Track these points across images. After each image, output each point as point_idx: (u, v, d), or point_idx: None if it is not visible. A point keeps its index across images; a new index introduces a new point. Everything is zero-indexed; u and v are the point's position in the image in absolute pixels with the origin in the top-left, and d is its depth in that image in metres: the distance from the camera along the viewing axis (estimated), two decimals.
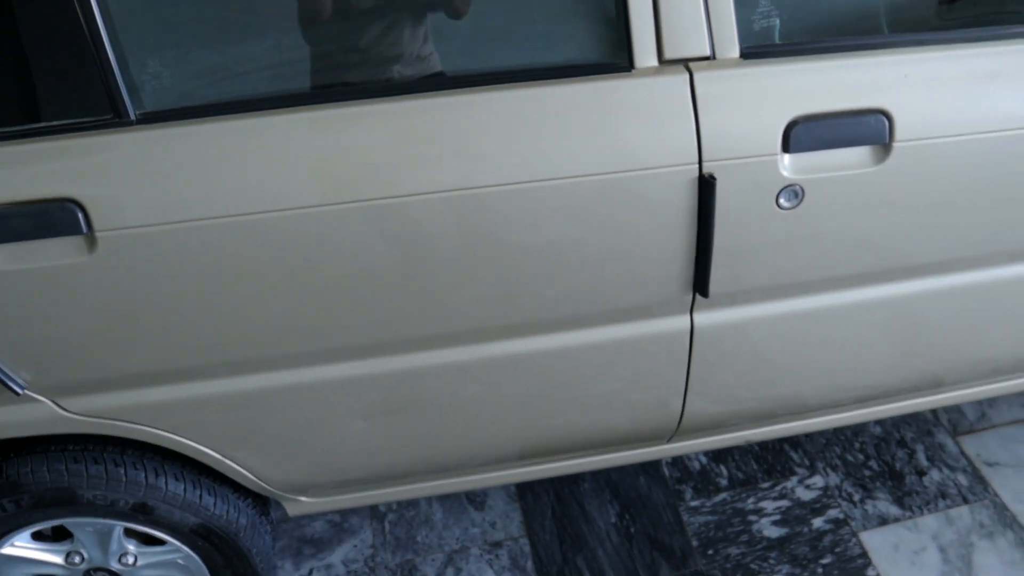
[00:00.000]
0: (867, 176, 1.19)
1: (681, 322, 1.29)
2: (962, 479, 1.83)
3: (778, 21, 1.18)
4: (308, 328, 1.19)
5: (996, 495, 1.80)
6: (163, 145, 1.05)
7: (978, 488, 1.81)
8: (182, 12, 1.04)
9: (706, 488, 1.85)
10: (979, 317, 1.45)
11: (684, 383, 1.37)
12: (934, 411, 1.99)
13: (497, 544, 1.77)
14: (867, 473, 1.86)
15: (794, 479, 1.86)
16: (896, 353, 1.45)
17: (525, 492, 1.87)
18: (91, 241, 1.05)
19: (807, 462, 1.89)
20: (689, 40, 1.11)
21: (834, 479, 1.85)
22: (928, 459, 1.88)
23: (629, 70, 1.11)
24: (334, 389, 1.27)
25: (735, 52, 1.13)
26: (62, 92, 1.02)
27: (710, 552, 1.72)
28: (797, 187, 1.18)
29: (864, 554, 1.70)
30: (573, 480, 1.88)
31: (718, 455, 1.92)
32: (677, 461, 1.91)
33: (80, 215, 1.03)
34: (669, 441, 1.53)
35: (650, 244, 1.19)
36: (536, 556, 1.74)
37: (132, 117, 1.04)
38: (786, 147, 1.15)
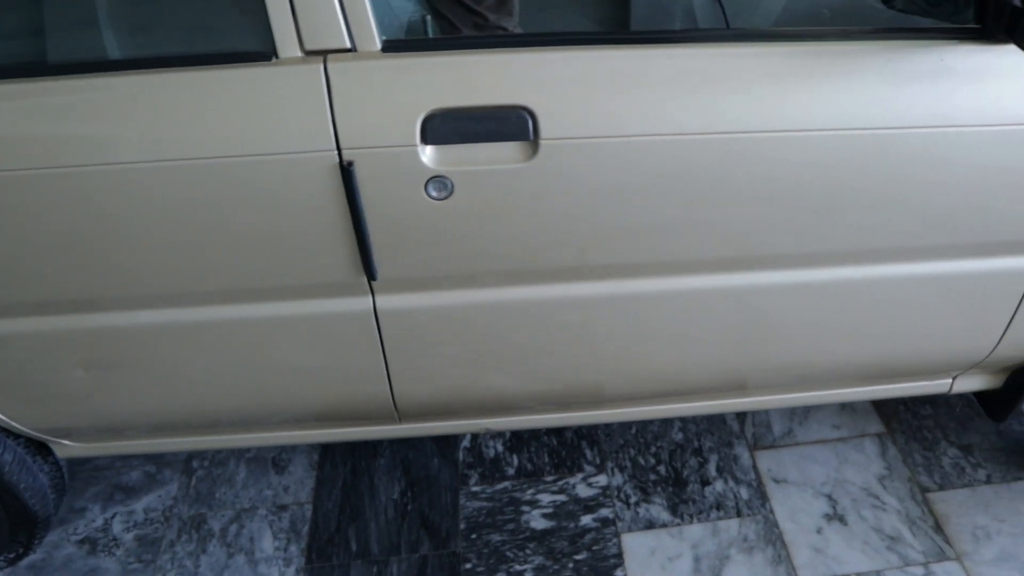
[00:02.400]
0: (516, 171, 1.18)
1: (364, 303, 1.32)
2: (744, 492, 1.77)
3: (429, 17, 1.19)
4: (24, 279, 1.28)
5: (771, 511, 1.73)
6: None
7: (756, 503, 1.75)
8: None
9: (492, 475, 1.85)
10: (696, 322, 1.41)
11: (384, 364, 1.39)
12: (741, 423, 1.92)
13: (283, 507, 1.83)
14: (652, 477, 1.82)
15: (579, 476, 1.83)
16: (616, 353, 1.43)
17: (324, 462, 1.92)
18: None
19: (598, 461, 1.87)
20: (327, 33, 1.13)
21: (618, 480, 1.82)
22: (718, 470, 1.82)
23: (270, 59, 1.15)
24: (52, 340, 1.36)
25: (376, 45, 1.15)
26: None
27: (473, 536, 1.73)
28: (445, 179, 1.18)
29: (619, 555, 1.67)
30: (372, 454, 1.92)
31: (515, 445, 1.91)
32: (474, 447, 1.92)
33: None
34: (402, 421, 1.55)
35: (306, 225, 1.21)
36: (314, 522, 1.79)
37: None
38: (425, 139, 1.16)
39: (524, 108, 1.15)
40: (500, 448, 1.91)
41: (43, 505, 1.65)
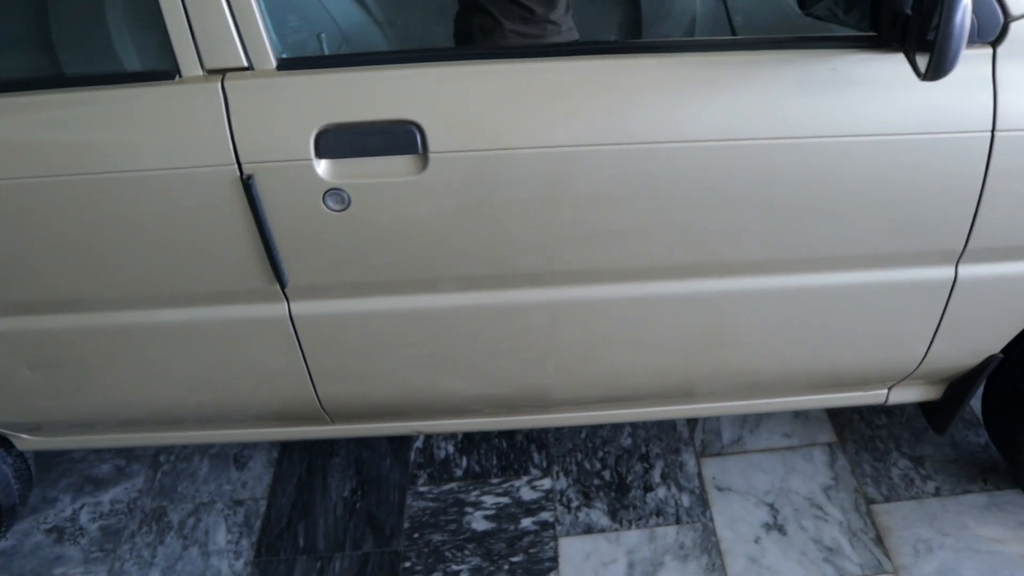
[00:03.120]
0: (409, 184, 1.23)
1: (280, 309, 1.38)
2: (686, 500, 1.78)
3: (324, 34, 1.24)
4: None
5: (711, 519, 1.73)
6: None
7: (697, 511, 1.75)
8: None
9: (440, 476, 1.90)
10: (649, 331, 1.43)
11: (305, 368, 1.45)
12: (691, 430, 1.93)
13: (239, 502, 1.91)
14: (596, 482, 1.84)
15: (525, 479, 1.87)
16: (536, 362, 1.46)
17: (283, 459, 1.99)
18: None
19: (545, 464, 1.90)
20: (225, 52, 1.19)
21: (562, 484, 1.85)
22: (662, 476, 1.83)
23: (174, 78, 1.21)
24: None
25: (271, 63, 1.21)
26: None
27: (415, 536, 1.78)
28: (342, 192, 1.23)
29: (554, 558, 1.70)
30: (329, 453, 1.99)
31: (466, 446, 1.96)
32: (426, 447, 1.97)
33: None
34: (335, 422, 1.61)
35: (217, 235, 1.28)
36: (267, 518, 1.86)
37: None
38: (320, 153, 1.21)
39: (412, 122, 1.20)
40: (451, 449, 1.96)
41: (7, 495, 1.76)
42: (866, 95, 1.20)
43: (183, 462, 2.02)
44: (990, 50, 1.20)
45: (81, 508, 1.94)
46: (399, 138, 1.20)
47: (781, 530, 1.70)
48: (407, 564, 1.73)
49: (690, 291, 1.35)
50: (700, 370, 1.50)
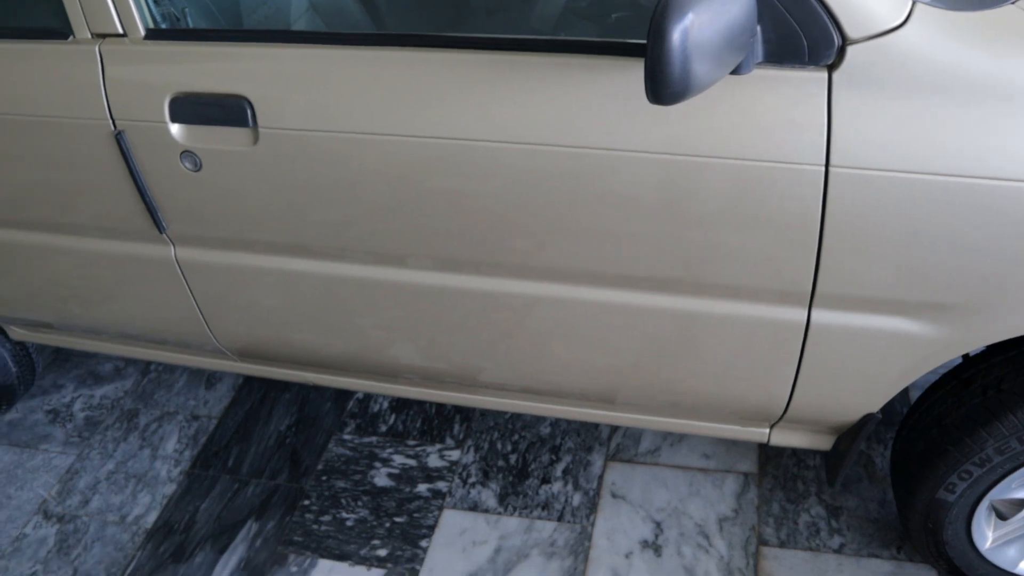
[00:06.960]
0: (247, 154, 1.41)
1: (167, 251, 1.63)
2: (576, 499, 1.85)
3: (189, 9, 1.42)
4: None
5: (592, 524, 1.80)
6: None
7: (582, 513, 1.82)
8: None
9: (366, 428, 2.11)
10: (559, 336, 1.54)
11: (196, 307, 1.70)
12: (612, 431, 1.97)
13: (196, 418, 2.24)
14: (500, 463, 1.96)
15: (438, 446, 2.03)
16: (426, 343, 1.62)
17: (244, 386, 2.29)
18: None
19: (461, 436, 2.04)
20: (104, 19, 1.43)
21: (469, 458, 1.98)
22: (564, 471, 1.91)
23: (67, 38, 1.46)
24: None
25: (140, 33, 1.42)
26: None
27: (323, 478, 2.01)
28: (195, 154, 1.44)
29: (432, 527, 1.86)
30: (283, 388, 2.26)
31: (398, 406, 2.14)
32: (365, 399, 2.18)
33: None
34: (241, 361, 1.86)
35: (102, 183, 1.54)
36: (212, 436, 2.18)
37: None
38: (174, 117, 1.42)
39: (244, 97, 1.37)
40: (385, 405, 2.16)
41: (5, 376, 2.20)
42: (684, 111, 1.21)
43: (167, 373, 2.39)
44: (825, 75, 1.15)
45: (78, 397, 2.37)
46: (233, 111, 1.39)
47: (657, 551, 1.74)
48: (306, 502, 1.98)
49: (491, 288, 1.44)
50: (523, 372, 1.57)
